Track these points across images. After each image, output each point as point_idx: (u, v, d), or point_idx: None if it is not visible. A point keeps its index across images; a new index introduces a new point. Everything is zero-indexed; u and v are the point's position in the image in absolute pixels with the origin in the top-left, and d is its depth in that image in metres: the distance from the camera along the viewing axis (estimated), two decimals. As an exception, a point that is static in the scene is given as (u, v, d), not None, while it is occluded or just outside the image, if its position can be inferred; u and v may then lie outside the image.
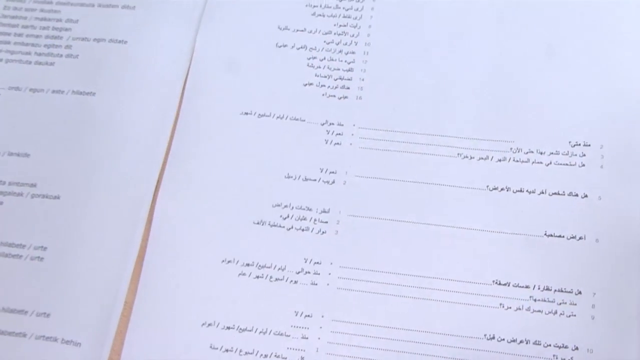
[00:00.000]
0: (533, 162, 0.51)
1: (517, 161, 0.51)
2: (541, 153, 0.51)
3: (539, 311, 0.48)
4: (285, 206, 0.51)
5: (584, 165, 0.51)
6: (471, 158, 0.52)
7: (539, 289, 0.49)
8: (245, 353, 0.48)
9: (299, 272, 0.50)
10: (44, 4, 0.58)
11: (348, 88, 0.54)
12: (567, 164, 0.51)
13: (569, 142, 0.51)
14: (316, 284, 0.49)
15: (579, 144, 0.51)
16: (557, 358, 0.47)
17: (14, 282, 0.50)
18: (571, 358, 0.47)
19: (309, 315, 0.49)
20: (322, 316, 0.49)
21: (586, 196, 0.50)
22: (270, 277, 0.50)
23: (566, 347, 0.47)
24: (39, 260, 0.50)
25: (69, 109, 0.54)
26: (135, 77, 0.54)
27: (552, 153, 0.51)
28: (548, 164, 0.51)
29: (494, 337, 0.48)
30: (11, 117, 0.54)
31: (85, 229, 0.50)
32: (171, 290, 0.49)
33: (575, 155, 0.51)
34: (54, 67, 0.56)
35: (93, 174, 0.52)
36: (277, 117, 0.53)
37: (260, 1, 0.57)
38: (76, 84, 0.55)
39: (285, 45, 0.55)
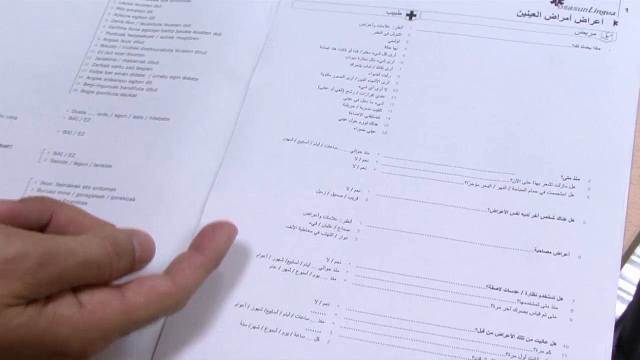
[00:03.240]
0: (529, 191, 0.60)
1: (516, 190, 0.60)
2: (536, 184, 0.60)
3: (525, 312, 0.56)
4: (314, 215, 0.61)
5: (572, 195, 0.59)
6: (476, 185, 0.60)
7: (525, 294, 0.56)
8: (270, 331, 0.57)
9: (321, 269, 0.59)
10: (131, 49, 0.70)
11: (376, 124, 0.64)
12: (558, 194, 0.59)
13: (561, 176, 0.60)
14: (335, 279, 0.58)
15: (570, 178, 0.60)
16: (536, 350, 0.54)
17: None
18: (549, 351, 0.54)
19: (326, 304, 0.57)
20: (338, 305, 0.57)
21: (572, 220, 0.58)
22: (296, 271, 0.59)
23: (545, 342, 0.55)
24: (113, 249, 0.61)
25: (146, 131, 0.65)
26: (202, 106, 0.65)
27: (545, 184, 0.60)
28: (542, 193, 0.59)
29: (483, 331, 0.55)
30: (98, 137, 0.66)
31: (152, 223, 0.61)
32: (213, 275, 0.58)
33: (566, 187, 0.59)
34: (136, 98, 0.67)
35: (161, 182, 0.63)
36: (314, 144, 0.63)
37: (309, 51, 0.68)
38: (153, 111, 0.66)
39: (325, 88, 0.66)
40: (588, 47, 0.65)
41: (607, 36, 0.65)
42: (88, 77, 0.69)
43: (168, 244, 0.60)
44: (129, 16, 0.72)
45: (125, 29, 0.71)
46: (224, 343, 0.57)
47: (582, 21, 0.66)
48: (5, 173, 0.65)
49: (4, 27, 0.72)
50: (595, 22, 0.66)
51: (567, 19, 0.66)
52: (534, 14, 0.67)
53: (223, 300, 0.58)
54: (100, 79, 0.69)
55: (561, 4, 0.67)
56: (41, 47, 0.71)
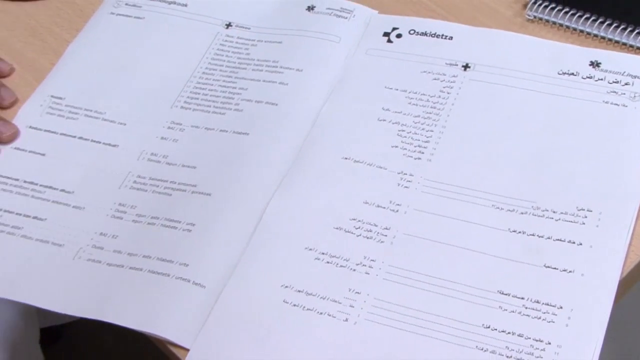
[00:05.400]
0: (546, 217, 0.68)
1: (535, 215, 0.69)
2: (554, 212, 0.69)
3: (527, 315, 0.64)
4: (359, 221, 0.71)
5: (584, 224, 0.68)
6: (501, 209, 0.70)
7: (530, 300, 0.65)
8: (307, 309, 0.67)
9: (357, 264, 0.69)
10: (227, 78, 0.83)
11: (422, 153, 0.74)
12: (571, 222, 0.68)
13: (576, 207, 0.69)
14: (368, 274, 0.68)
15: (584, 209, 0.68)
16: (532, 347, 0.63)
17: (169, 243, 0.71)
18: (543, 349, 0.62)
19: (358, 292, 0.67)
20: (368, 294, 0.67)
21: (581, 244, 0.67)
22: (337, 264, 0.69)
23: (541, 341, 0.63)
24: (188, 232, 0.72)
25: (228, 142, 0.77)
26: (277, 126, 0.77)
27: (562, 213, 0.68)
28: (557, 220, 0.68)
29: (489, 327, 0.64)
30: (189, 144, 0.78)
31: (222, 215, 0.72)
32: (267, 260, 0.69)
33: (579, 216, 0.68)
34: (224, 116, 0.80)
35: (234, 182, 0.74)
36: (367, 164, 0.74)
37: (375, 90, 0.79)
38: (237, 127, 0.78)
39: (384, 120, 0.77)
40: (616, 104, 0.74)
41: (634, 96, 0.74)
42: (188, 97, 0.82)
43: (232, 234, 0.71)
44: (228, 51, 0.85)
45: (224, 61, 0.84)
46: (268, 315, 0.67)
47: (614, 82, 0.75)
48: (110, 166, 0.78)
49: (129, 51, 0.86)
50: (627, 84, 0.75)
51: (601, 79, 0.75)
52: (572, 73, 0.76)
53: (272, 280, 0.69)
54: (198, 99, 0.81)
55: (598, 66, 0.76)
56: (154, 70, 0.84)
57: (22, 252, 0.73)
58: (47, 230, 0.74)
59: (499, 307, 0.65)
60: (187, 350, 0.66)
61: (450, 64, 0.79)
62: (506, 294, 0.65)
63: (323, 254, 0.70)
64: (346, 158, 0.75)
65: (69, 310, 0.69)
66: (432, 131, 0.75)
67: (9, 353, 1.04)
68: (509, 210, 0.70)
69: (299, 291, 0.68)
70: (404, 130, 0.76)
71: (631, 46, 0.78)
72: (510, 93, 0.76)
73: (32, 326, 1.12)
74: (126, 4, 0.90)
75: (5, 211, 0.76)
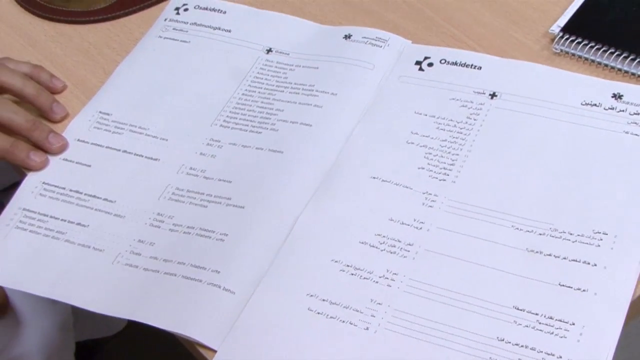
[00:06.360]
0: (563, 239, 0.71)
1: (552, 237, 0.72)
2: (571, 234, 0.71)
3: (540, 330, 0.67)
4: (384, 236, 0.74)
5: (599, 246, 0.70)
6: (520, 230, 0.73)
7: (544, 316, 0.67)
8: (330, 317, 0.70)
9: (380, 277, 0.72)
10: (265, 99, 0.87)
11: (447, 175, 0.77)
12: (587, 243, 0.71)
13: (593, 230, 0.71)
14: (390, 286, 0.71)
15: (599, 232, 0.71)
16: (544, 360, 0.65)
17: (202, 251, 0.75)
18: (554, 362, 0.65)
19: (379, 303, 0.70)
20: (389, 305, 0.70)
21: (595, 265, 0.69)
22: (360, 276, 0.72)
23: (553, 355, 0.65)
24: (221, 241, 0.76)
25: (263, 159, 0.81)
26: (310, 145, 0.81)
27: (578, 235, 0.71)
28: (574, 242, 0.71)
29: (503, 340, 0.67)
30: (226, 160, 0.82)
31: (254, 226, 0.76)
32: (294, 270, 0.73)
33: (595, 239, 0.71)
34: (261, 135, 0.84)
35: (267, 197, 0.78)
36: (394, 184, 0.77)
37: (405, 114, 0.83)
38: (272, 146, 0.82)
39: (412, 143, 0.80)
40: (636, 134, 0.77)
41: (654, 127, 0.77)
42: (227, 116, 0.86)
43: (263, 245, 0.75)
44: (267, 75, 0.89)
45: (263, 84, 0.89)
46: (292, 321, 0.70)
47: (635, 114, 0.78)
48: (151, 178, 0.82)
49: (174, 72, 0.91)
50: (647, 116, 0.78)
51: (623, 111, 0.78)
52: (595, 104, 0.79)
53: (298, 289, 0.72)
54: (236, 118, 0.86)
55: (620, 98, 0.79)
56: (197, 90, 0.89)
57: (65, 255, 0.78)
58: (89, 236, 0.79)
59: (514, 321, 0.68)
60: (215, 351, 0.69)
61: (478, 92, 0.83)
62: (521, 310, 0.68)
63: (348, 266, 0.73)
64: (374, 177, 0.78)
65: (105, 311, 0.73)
66: (457, 155, 0.79)
67: (44, 362, 1.08)
68: (528, 231, 0.72)
69: (324, 300, 0.71)
70: (430, 153, 0.79)
71: (653, 80, 0.82)
72: (534, 121, 0.80)
73: (68, 337, 1.16)
74: (174, 29, 0.95)
75: (51, 217, 0.80)
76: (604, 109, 0.79)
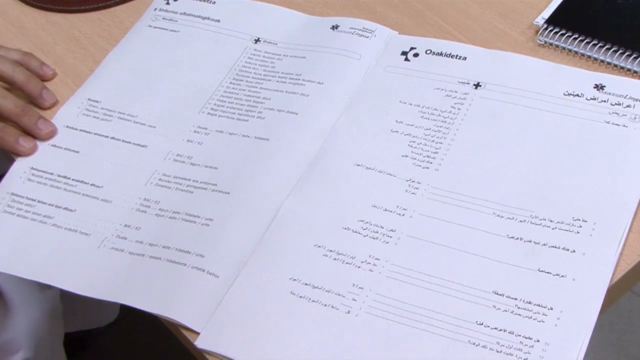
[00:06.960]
0: (543, 226, 0.72)
1: (533, 224, 0.73)
2: (551, 221, 0.72)
3: (519, 314, 0.68)
4: (367, 222, 0.75)
5: (578, 232, 0.71)
6: (501, 217, 0.74)
7: (523, 301, 0.68)
8: (312, 301, 0.71)
9: (362, 262, 0.73)
10: (252, 88, 0.88)
11: (431, 163, 0.78)
12: (567, 230, 0.72)
13: (572, 217, 0.72)
14: (372, 271, 0.72)
15: (579, 220, 0.72)
16: (522, 344, 0.66)
17: (187, 236, 0.76)
18: (532, 345, 0.66)
19: (361, 288, 0.71)
20: (370, 290, 0.71)
21: (574, 251, 0.70)
22: (343, 261, 0.73)
23: (530, 338, 0.66)
24: (206, 226, 0.77)
25: (249, 146, 0.82)
26: (296, 133, 0.82)
27: (558, 222, 0.72)
28: (554, 228, 0.72)
29: (482, 324, 0.68)
30: (212, 147, 0.83)
31: (238, 212, 0.77)
32: (278, 255, 0.73)
33: (575, 226, 0.72)
34: (247, 122, 0.85)
35: (252, 183, 0.79)
36: (378, 171, 0.78)
37: (390, 103, 0.83)
38: (258, 133, 0.83)
39: (397, 132, 0.81)
40: (617, 124, 0.78)
41: (635, 118, 0.78)
42: (215, 104, 0.87)
43: (247, 230, 0.76)
44: (255, 64, 0.90)
45: (251, 73, 0.89)
46: (275, 305, 0.71)
47: (617, 104, 0.79)
48: (138, 165, 0.83)
49: (163, 60, 0.92)
50: (628, 106, 0.79)
51: (605, 101, 0.79)
52: (577, 95, 0.80)
53: (281, 273, 0.73)
54: (224, 106, 0.87)
55: (602, 89, 0.80)
56: (185, 79, 0.90)
57: (52, 239, 0.79)
58: (75, 220, 0.80)
59: (493, 306, 0.69)
60: (198, 333, 0.70)
61: (463, 82, 0.84)
62: (500, 294, 0.69)
63: (331, 251, 0.74)
64: (358, 165, 0.79)
65: (91, 293, 0.74)
66: (441, 143, 0.80)
67: (33, 350, 1.09)
68: (509, 218, 0.73)
69: (306, 284, 0.72)
70: (414, 142, 0.80)
71: (635, 72, 0.82)
72: (517, 111, 0.81)
73: (57, 325, 1.17)
74: (163, 18, 0.96)
75: (39, 202, 0.81)
76: (586, 99, 0.80)
